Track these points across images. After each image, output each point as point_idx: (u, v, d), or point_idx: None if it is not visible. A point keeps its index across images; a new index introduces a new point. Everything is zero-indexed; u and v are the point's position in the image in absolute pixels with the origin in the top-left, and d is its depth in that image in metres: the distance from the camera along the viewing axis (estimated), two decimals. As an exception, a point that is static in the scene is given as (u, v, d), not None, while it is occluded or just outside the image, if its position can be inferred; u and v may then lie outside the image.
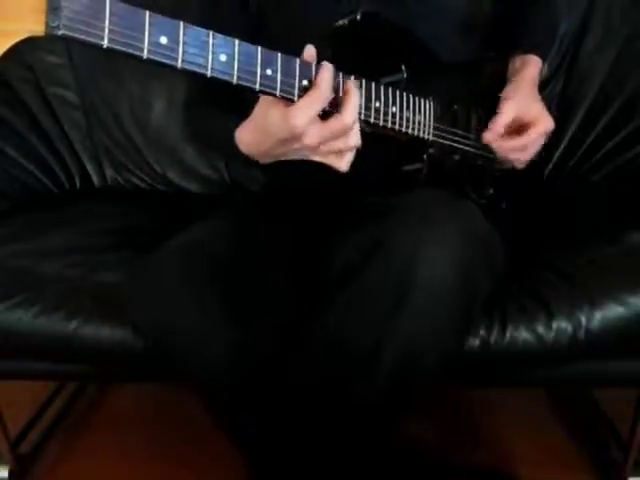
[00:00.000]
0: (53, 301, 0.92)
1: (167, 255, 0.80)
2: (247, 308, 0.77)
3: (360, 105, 0.74)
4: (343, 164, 0.72)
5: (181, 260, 0.79)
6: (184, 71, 0.59)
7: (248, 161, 0.80)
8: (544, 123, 0.90)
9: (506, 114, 0.88)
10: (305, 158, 0.72)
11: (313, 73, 0.68)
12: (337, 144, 0.69)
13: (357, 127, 0.70)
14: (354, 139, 0.70)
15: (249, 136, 0.77)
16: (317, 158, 0.72)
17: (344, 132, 0.69)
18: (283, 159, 0.75)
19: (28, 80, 1.36)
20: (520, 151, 0.91)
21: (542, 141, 0.92)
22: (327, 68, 0.68)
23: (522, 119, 0.89)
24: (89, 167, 1.40)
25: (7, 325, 0.92)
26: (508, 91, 0.92)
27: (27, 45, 1.35)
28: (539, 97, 0.94)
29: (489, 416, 1.31)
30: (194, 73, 0.60)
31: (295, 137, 0.68)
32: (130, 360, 0.93)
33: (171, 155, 1.39)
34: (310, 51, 0.69)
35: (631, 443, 1.07)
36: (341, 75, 0.71)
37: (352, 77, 0.73)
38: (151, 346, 0.86)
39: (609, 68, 1.28)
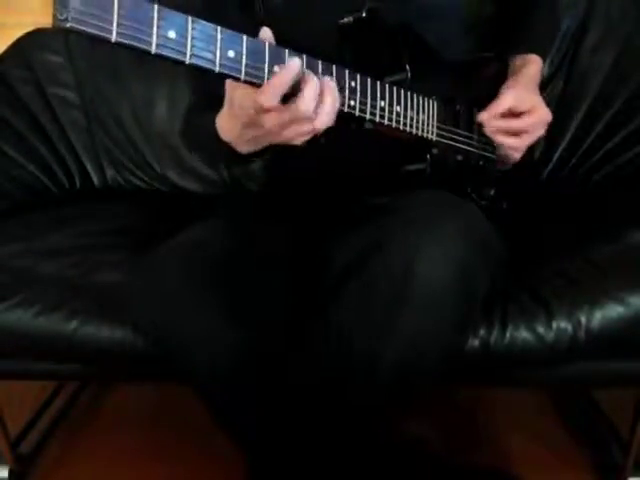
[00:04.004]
0: (53, 301, 0.92)
1: (167, 255, 0.80)
2: (247, 307, 0.77)
3: (365, 102, 0.73)
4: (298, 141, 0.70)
5: (181, 260, 0.79)
6: (192, 67, 0.58)
7: (240, 157, 0.78)
8: (540, 113, 0.90)
9: (505, 99, 0.88)
10: (277, 142, 0.71)
11: (320, 69, 0.68)
12: (302, 128, 0.68)
13: (327, 111, 0.67)
14: (319, 123, 0.67)
15: (224, 122, 0.75)
16: (283, 140, 0.70)
17: (302, 119, 0.66)
18: (261, 144, 0.74)
19: (28, 80, 1.36)
20: (515, 136, 0.91)
21: (539, 132, 0.92)
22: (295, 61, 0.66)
23: (519, 108, 0.89)
24: (89, 167, 1.40)
25: (7, 325, 0.92)
26: (509, 83, 0.92)
27: (28, 45, 1.35)
28: (538, 92, 0.94)
29: (489, 416, 1.31)
30: (202, 69, 0.59)
31: (259, 120, 0.66)
32: (130, 360, 0.93)
33: (171, 155, 1.39)
34: (267, 33, 0.66)
35: (631, 443, 1.07)
36: (320, 66, 0.69)
37: (321, 71, 0.69)
38: (151, 346, 0.86)
39: (609, 68, 1.27)
